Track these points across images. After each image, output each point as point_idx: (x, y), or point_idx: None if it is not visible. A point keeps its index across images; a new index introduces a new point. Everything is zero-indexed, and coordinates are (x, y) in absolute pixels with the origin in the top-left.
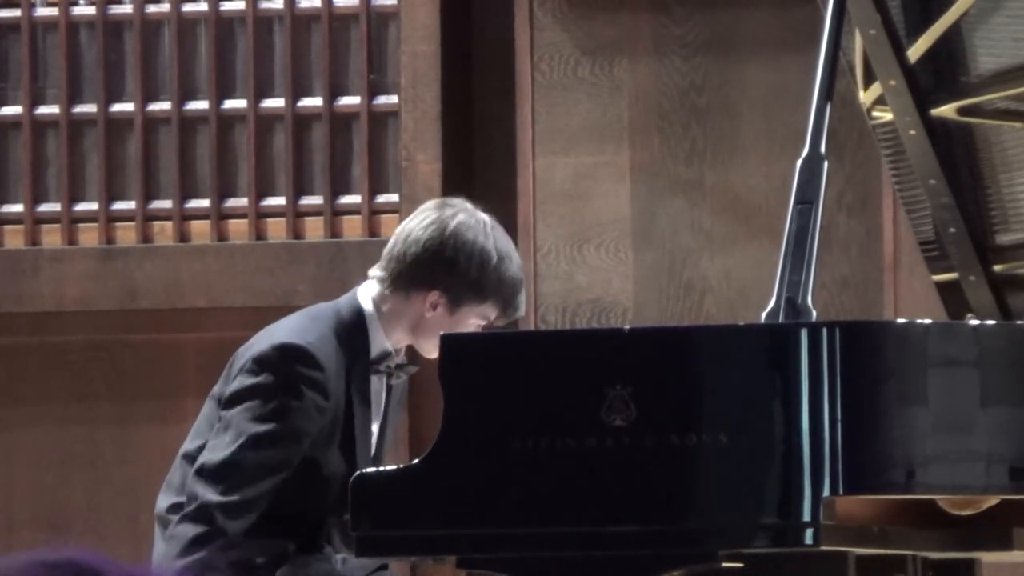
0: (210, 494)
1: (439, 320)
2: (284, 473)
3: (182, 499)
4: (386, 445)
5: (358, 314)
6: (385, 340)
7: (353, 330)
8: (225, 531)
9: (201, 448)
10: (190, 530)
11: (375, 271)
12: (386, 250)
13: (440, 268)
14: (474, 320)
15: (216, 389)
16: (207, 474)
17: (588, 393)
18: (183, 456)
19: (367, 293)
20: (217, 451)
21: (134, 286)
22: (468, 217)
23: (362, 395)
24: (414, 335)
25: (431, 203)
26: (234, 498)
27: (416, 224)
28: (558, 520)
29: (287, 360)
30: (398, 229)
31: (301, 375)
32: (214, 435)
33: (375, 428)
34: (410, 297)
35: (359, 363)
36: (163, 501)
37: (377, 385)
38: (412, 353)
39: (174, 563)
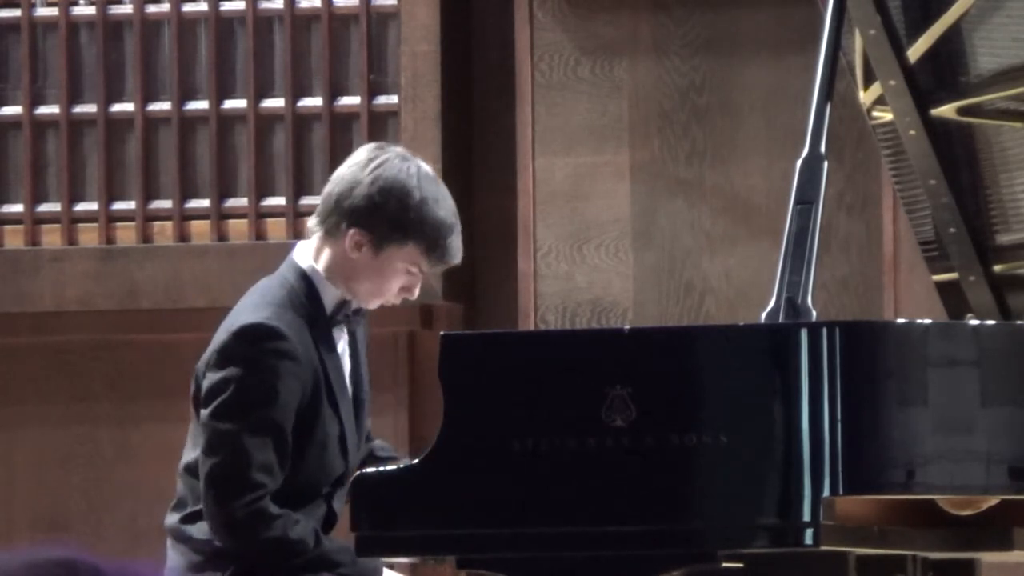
0: (231, 504)
1: (365, 263)
2: (286, 442)
3: (193, 508)
4: (364, 389)
5: (302, 275)
6: (335, 291)
7: (303, 291)
8: (270, 513)
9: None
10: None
11: (312, 220)
12: (320, 197)
13: (360, 204)
14: (401, 264)
15: (192, 393)
16: (218, 486)
17: (588, 393)
18: (184, 470)
19: (304, 252)
20: (214, 458)
21: (134, 286)
22: (395, 158)
23: (330, 350)
24: (346, 281)
25: (366, 146)
26: (255, 484)
27: (345, 165)
28: (558, 520)
29: (250, 342)
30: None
31: (267, 350)
32: (204, 442)
33: (348, 377)
34: (338, 239)
35: (319, 321)
36: (172, 516)
37: (339, 334)
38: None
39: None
